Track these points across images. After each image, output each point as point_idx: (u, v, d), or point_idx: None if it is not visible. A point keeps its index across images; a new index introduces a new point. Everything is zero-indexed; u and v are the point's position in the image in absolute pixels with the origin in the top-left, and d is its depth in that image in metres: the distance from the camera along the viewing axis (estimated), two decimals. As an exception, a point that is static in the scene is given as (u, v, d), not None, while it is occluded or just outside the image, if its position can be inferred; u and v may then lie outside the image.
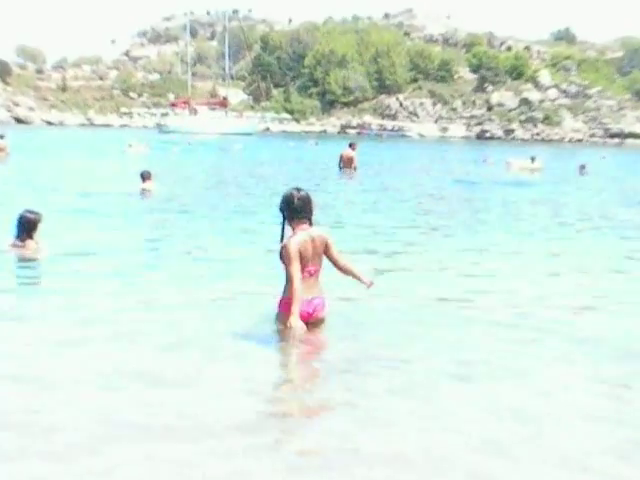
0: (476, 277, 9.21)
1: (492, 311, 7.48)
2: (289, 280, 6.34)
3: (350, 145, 27.09)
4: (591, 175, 31.02)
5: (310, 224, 6.59)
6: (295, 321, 6.26)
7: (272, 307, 6.61)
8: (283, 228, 6.58)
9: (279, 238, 6.54)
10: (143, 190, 18.24)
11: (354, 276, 6.79)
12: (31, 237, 9.27)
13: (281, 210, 6.61)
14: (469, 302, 7.86)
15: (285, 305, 6.39)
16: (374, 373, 5.59)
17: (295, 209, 6.53)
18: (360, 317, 7.19)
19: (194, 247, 10.72)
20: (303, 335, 6.27)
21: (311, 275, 6.54)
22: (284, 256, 6.38)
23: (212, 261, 9.74)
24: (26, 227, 9.27)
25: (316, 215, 6.70)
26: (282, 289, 6.49)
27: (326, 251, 6.63)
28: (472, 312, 7.41)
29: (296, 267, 6.29)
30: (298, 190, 6.63)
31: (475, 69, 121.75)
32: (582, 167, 32.31)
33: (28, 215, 9.34)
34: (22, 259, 9.13)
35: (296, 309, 6.26)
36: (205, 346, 6.11)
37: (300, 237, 6.46)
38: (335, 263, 6.73)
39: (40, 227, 9.37)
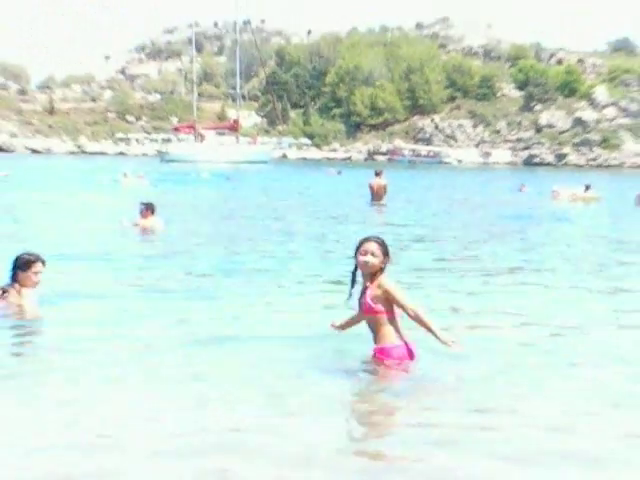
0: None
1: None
2: (387, 322, 6.53)
3: (377, 174, 27.95)
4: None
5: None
6: (446, 336, 6.45)
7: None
8: (354, 278, 6.73)
9: (348, 290, 6.79)
10: (144, 228, 17.05)
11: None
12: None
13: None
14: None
15: (382, 352, 6.59)
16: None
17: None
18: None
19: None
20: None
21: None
22: (381, 296, 6.49)
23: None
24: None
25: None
26: (373, 339, 6.66)
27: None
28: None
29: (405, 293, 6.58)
30: (378, 238, 6.75)
31: (521, 86, 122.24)
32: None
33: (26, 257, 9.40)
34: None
35: (436, 327, 6.47)
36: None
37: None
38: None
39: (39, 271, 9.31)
